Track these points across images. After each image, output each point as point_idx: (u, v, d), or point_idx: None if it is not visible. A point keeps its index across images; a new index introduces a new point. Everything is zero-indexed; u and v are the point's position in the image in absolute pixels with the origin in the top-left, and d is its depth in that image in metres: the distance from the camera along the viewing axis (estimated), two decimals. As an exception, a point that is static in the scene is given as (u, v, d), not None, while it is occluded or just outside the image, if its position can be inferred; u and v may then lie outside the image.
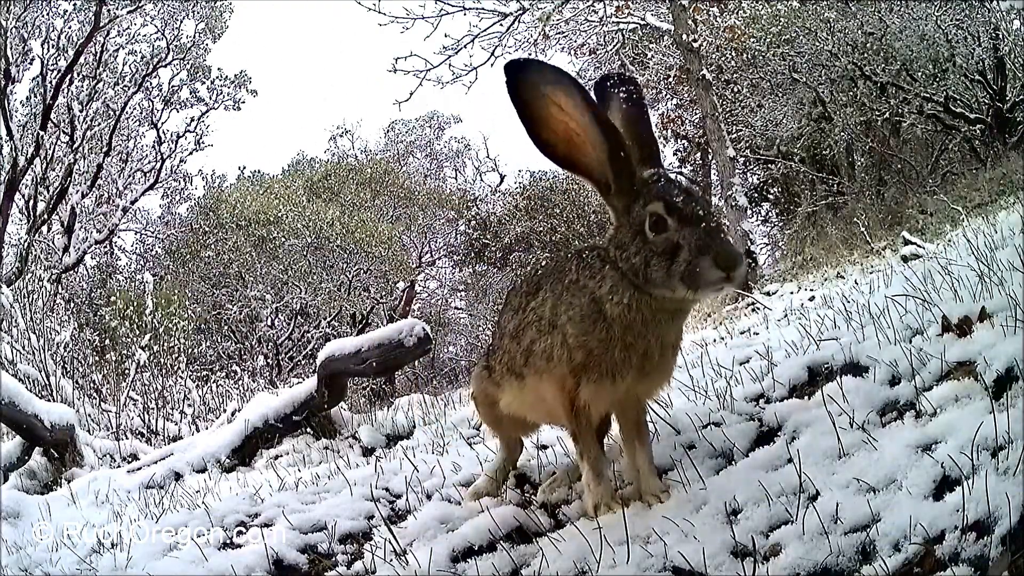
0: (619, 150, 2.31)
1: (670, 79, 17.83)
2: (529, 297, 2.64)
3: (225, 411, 8.09)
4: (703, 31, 13.06)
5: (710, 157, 20.46)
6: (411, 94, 12.47)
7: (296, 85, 63.83)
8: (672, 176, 2.38)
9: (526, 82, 2.29)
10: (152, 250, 25.77)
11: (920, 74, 15.57)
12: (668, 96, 21.71)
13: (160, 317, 13.48)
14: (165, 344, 12.96)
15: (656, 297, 2.27)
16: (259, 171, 29.03)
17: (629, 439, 2.52)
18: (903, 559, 1.73)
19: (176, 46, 21.64)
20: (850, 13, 15.29)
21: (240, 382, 15.05)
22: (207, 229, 22.47)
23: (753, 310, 8.09)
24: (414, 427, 5.51)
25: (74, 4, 19.03)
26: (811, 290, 8.12)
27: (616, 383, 2.36)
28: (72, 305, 18.11)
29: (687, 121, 23.12)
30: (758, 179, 22.62)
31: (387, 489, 3.33)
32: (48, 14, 18.85)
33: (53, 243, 20.25)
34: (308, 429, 6.03)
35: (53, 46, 18.75)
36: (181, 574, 2.76)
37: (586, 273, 2.42)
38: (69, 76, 19.08)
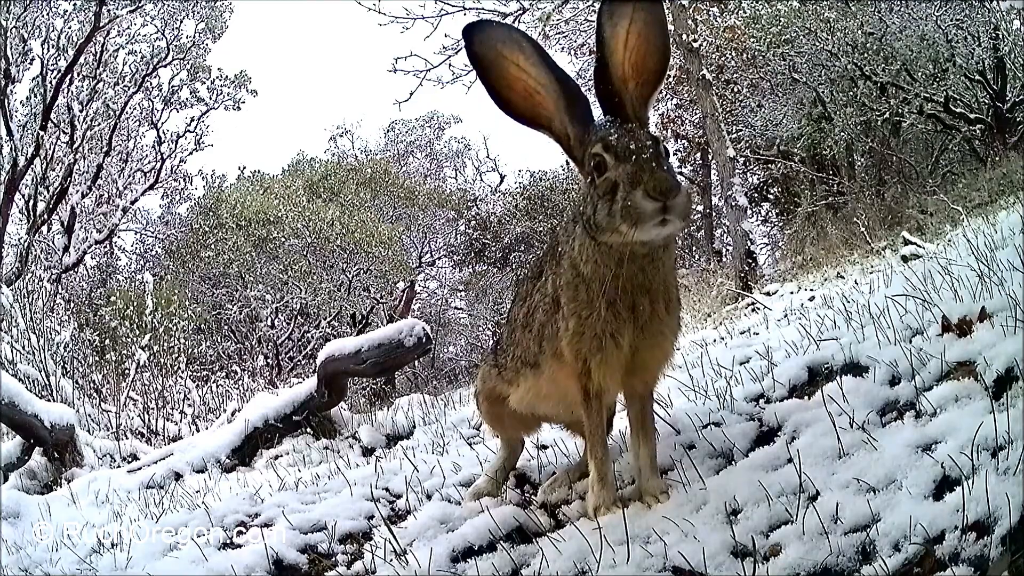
0: (575, 103, 2.30)
1: (670, 79, 17.81)
2: (534, 281, 2.64)
3: (225, 411, 8.10)
4: (703, 31, 13.05)
5: (710, 157, 20.46)
6: (411, 94, 12.45)
7: (296, 85, 63.87)
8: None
9: (484, 43, 2.30)
10: (152, 250, 25.75)
11: (920, 74, 15.55)
12: (668, 96, 21.72)
13: (160, 317, 13.48)
14: (165, 344, 12.95)
15: (612, 245, 2.20)
16: (259, 171, 28.90)
17: (635, 433, 2.49)
18: (903, 559, 1.73)
19: (176, 46, 21.60)
20: (850, 13, 15.27)
21: (240, 382, 15.05)
22: (207, 229, 22.43)
23: (753, 310, 8.10)
24: (414, 427, 5.53)
25: (74, 4, 18.98)
26: (811, 290, 8.13)
27: (619, 345, 2.32)
28: (72, 305, 18.08)
29: (687, 121, 23.17)
30: (758, 179, 22.64)
31: (387, 489, 3.33)
32: (48, 14, 18.80)
33: (53, 243, 20.23)
34: (308, 429, 6.04)
35: (53, 46, 18.70)
36: (181, 574, 2.76)
37: (564, 238, 2.41)
38: (69, 76, 19.04)
